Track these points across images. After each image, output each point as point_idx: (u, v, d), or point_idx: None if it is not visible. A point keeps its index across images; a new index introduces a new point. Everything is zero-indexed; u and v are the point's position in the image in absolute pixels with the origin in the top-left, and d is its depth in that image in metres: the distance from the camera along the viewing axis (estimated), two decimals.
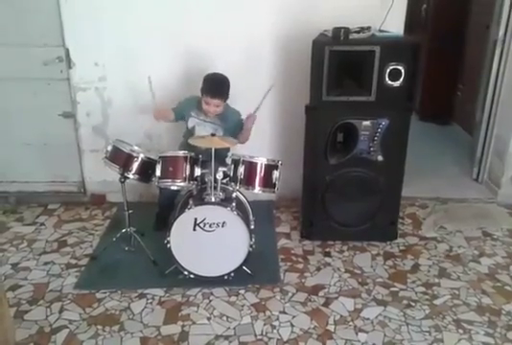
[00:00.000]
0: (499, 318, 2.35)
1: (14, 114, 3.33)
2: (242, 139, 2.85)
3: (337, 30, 2.63)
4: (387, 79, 2.64)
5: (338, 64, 2.64)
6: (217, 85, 2.77)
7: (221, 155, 2.61)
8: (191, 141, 2.63)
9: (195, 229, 2.46)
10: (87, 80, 3.22)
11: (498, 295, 2.51)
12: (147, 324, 2.31)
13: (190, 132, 2.91)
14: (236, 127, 2.88)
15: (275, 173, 2.57)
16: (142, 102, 3.21)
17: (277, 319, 2.34)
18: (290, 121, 3.21)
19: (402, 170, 2.85)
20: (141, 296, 2.50)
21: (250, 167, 2.56)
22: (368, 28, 2.78)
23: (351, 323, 2.32)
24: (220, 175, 2.51)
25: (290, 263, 2.79)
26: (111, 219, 3.26)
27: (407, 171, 2.87)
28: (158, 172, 2.56)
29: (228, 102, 2.92)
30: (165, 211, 2.96)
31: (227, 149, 2.92)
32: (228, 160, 2.67)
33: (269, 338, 2.22)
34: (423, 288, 2.56)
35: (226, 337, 2.23)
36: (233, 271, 2.53)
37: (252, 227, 2.64)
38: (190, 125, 2.91)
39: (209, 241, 2.47)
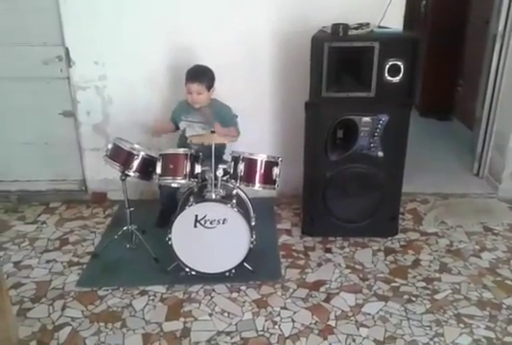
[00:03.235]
0: (499, 312, 2.35)
1: (15, 114, 3.34)
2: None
3: (335, 26, 2.63)
4: (387, 74, 2.64)
5: (338, 60, 2.64)
6: (194, 71, 2.84)
7: (218, 152, 2.62)
8: (190, 137, 2.66)
9: (196, 226, 2.47)
10: (87, 79, 3.23)
11: (498, 289, 2.52)
12: (149, 320, 2.32)
13: (183, 135, 2.96)
14: (226, 122, 2.88)
15: (275, 170, 2.58)
16: (141, 100, 3.24)
17: (278, 315, 2.35)
18: (290, 117, 3.21)
19: (402, 165, 2.85)
20: (143, 293, 2.51)
21: (250, 164, 2.57)
22: (367, 24, 2.78)
23: (352, 318, 2.32)
24: (220, 173, 2.52)
25: (291, 259, 2.80)
26: (112, 217, 3.27)
27: (407, 166, 2.87)
28: (159, 170, 2.57)
29: (225, 98, 2.92)
30: (168, 208, 2.97)
31: (223, 147, 2.94)
32: (228, 157, 2.68)
33: (271, 334, 2.23)
34: (424, 283, 2.57)
35: (228, 333, 2.24)
36: (234, 268, 2.54)
37: (253, 224, 2.65)
38: (181, 127, 2.97)
39: (210, 237, 2.48)
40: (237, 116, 2.94)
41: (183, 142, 2.94)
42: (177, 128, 3.01)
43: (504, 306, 2.39)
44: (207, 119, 2.84)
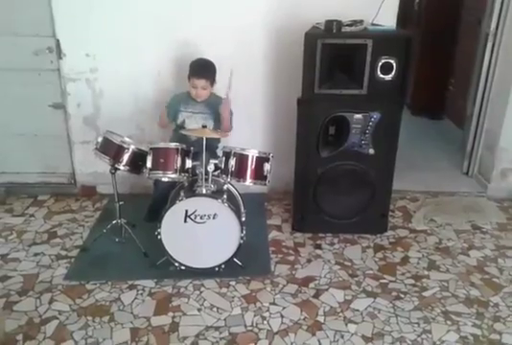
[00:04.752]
0: (486, 310, 2.37)
1: (4, 105, 3.30)
2: (223, 128, 2.84)
3: (329, 23, 2.63)
4: (379, 72, 2.64)
5: (331, 57, 2.63)
6: (202, 66, 2.83)
7: (211, 147, 2.61)
8: (183, 131, 2.63)
9: (186, 221, 2.46)
10: (78, 71, 3.19)
11: (486, 287, 2.54)
12: (137, 315, 2.31)
13: (180, 127, 2.91)
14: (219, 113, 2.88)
15: (266, 166, 2.57)
16: (133, 94, 3.22)
17: (267, 310, 2.35)
18: (283, 113, 3.21)
19: (393, 163, 2.86)
20: (131, 287, 2.50)
21: (241, 159, 2.56)
22: (361, 21, 2.78)
23: (341, 314, 2.33)
24: (211, 167, 2.51)
25: (281, 255, 2.80)
26: (102, 211, 3.25)
27: (398, 164, 2.88)
28: (149, 164, 2.55)
29: (218, 94, 2.91)
30: (158, 204, 2.93)
31: (218, 141, 2.93)
32: (219, 152, 2.67)
33: (260, 329, 2.23)
34: (412, 280, 2.58)
35: (217, 328, 2.24)
36: (224, 263, 2.53)
37: (243, 219, 2.64)
38: (180, 119, 2.92)
39: (200, 232, 2.47)
40: (232, 113, 2.93)
41: (178, 136, 2.89)
42: (171, 121, 2.95)
43: (491, 303, 2.42)
44: (210, 110, 2.84)
